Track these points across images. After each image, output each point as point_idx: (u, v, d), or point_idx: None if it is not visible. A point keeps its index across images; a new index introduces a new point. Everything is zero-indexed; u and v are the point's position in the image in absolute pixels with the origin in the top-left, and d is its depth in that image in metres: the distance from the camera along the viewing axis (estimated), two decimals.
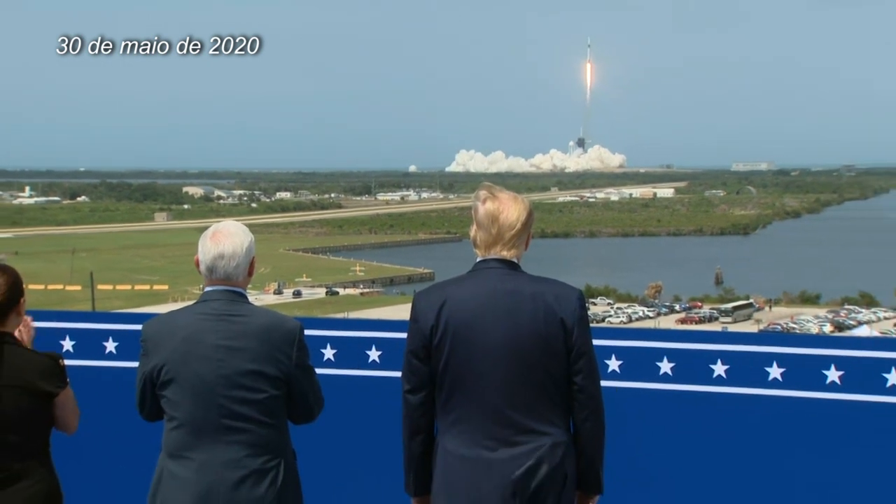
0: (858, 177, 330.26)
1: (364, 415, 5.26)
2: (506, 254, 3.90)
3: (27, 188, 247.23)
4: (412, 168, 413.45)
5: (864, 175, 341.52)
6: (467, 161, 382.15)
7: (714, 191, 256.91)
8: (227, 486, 3.82)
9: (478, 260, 3.94)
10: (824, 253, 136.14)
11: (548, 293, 3.85)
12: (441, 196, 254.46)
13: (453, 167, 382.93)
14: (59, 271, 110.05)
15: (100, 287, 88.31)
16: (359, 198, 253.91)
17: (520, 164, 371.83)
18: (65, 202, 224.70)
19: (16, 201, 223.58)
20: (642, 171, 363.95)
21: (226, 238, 3.96)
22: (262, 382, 3.86)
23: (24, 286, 4.09)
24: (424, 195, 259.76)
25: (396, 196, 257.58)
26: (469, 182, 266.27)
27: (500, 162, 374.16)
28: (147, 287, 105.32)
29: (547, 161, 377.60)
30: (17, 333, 4.06)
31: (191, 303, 4.03)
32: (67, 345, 6.00)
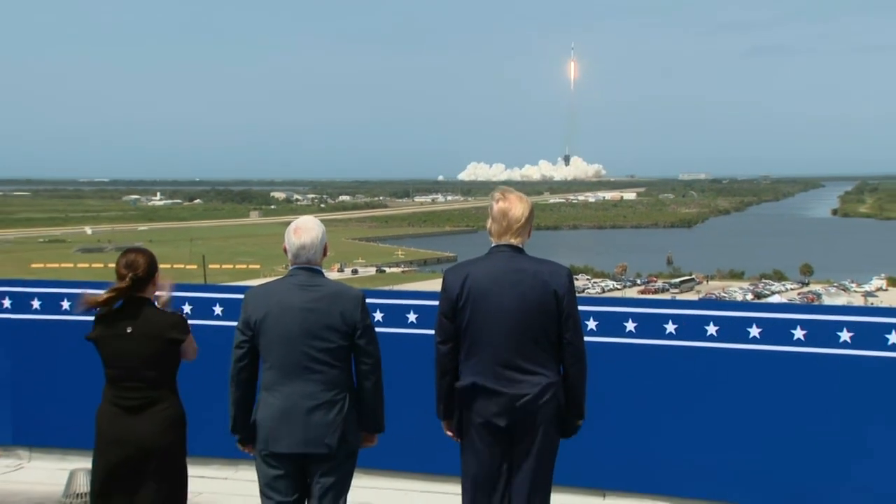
0: (773, 184, 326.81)
1: (405, 362, 5.25)
2: (513, 241, 3.90)
3: (158, 193, 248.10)
4: (440, 177, 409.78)
5: (777, 183, 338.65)
6: (476, 170, 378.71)
7: (666, 194, 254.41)
8: (304, 412, 3.84)
9: (492, 245, 3.94)
10: (747, 241, 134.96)
11: (545, 270, 3.85)
12: (462, 199, 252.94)
13: (465, 175, 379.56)
14: (180, 254, 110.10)
15: (210, 266, 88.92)
16: (400, 200, 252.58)
17: (516, 173, 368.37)
18: (185, 204, 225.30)
19: (150, 203, 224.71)
20: (612, 179, 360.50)
21: (305, 233, 3.97)
22: (333, 335, 3.86)
23: (157, 264, 4.12)
24: (449, 198, 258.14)
25: (428, 199, 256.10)
26: (482, 189, 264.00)
27: (500, 173, 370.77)
28: (244, 266, 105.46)
29: (537, 171, 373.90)
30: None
31: (281, 277, 4.04)
32: (186, 308, 6.04)
